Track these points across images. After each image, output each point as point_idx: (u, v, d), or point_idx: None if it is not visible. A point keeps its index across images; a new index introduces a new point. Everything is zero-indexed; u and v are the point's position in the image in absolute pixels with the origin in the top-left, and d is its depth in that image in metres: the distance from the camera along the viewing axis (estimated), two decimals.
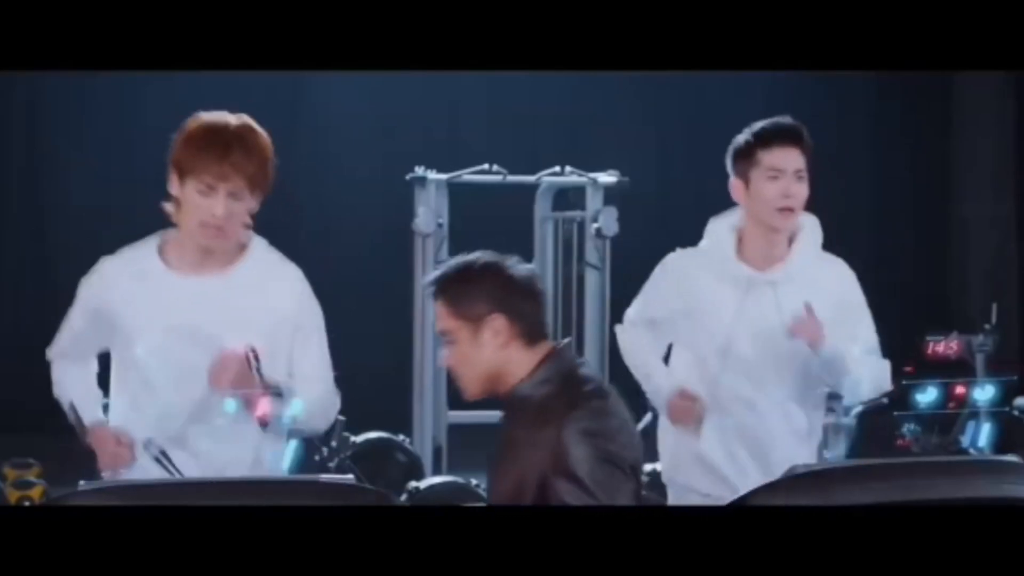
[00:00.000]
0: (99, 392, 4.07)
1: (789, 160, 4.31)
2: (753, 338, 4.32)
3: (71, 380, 4.06)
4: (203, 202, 3.81)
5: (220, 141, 3.81)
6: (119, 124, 9.13)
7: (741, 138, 4.39)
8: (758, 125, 4.38)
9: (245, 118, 3.91)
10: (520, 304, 3.54)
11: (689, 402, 4.33)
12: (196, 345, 3.84)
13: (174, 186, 3.87)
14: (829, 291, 4.38)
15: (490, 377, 3.55)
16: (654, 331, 4.50)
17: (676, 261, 4.50)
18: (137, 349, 3.90)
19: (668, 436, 4.53)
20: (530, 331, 3.55)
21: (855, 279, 4.47)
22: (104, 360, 4.10)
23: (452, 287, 3.56)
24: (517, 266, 3.61)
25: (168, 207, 3.91)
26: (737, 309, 4.32)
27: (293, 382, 3.90)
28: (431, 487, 6.88)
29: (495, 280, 3.55)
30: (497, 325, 3.51)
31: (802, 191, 4.32)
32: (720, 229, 4.43)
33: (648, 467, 6.53)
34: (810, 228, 4.41)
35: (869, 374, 4.37)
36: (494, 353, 3.53)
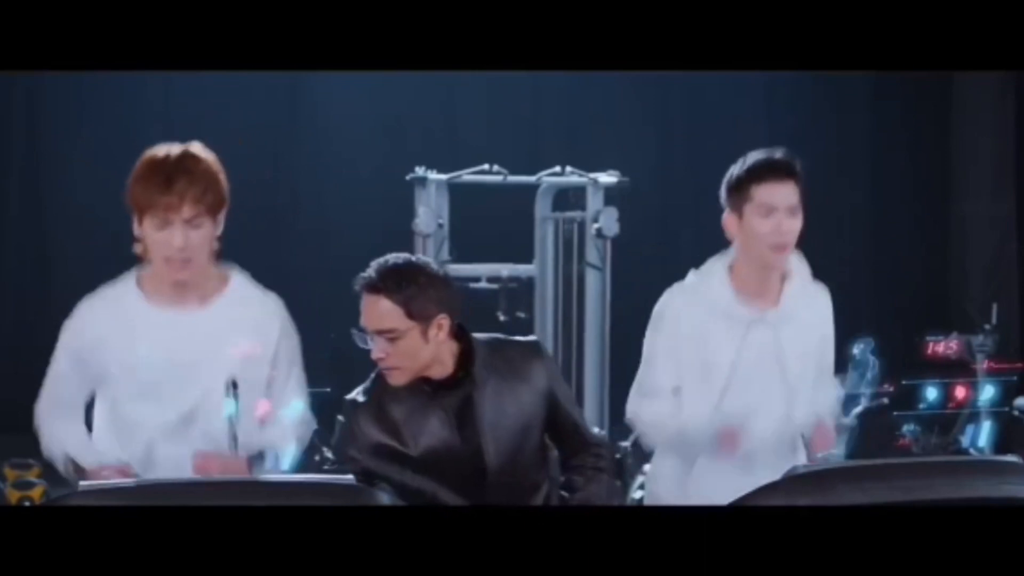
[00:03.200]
0: (90, 439, 4.06)
1: (782, 196, 4.29)
2: (753, 379, 4.32)
3: (63, 434, 4.04)
4: (161, 236, 3.85)
5: (162, 173, 3.84)
6: (119, 124, 9.12)
7: (734, 172, 4.36)
8: (751, 158, 4.35)
9: (190, 146, 3.93)
10: (456, 303, 3.98)
11: (736, 433, 4.28)
12: (182, 379, 3.87)
13: (136, 226, 3.91)
14: (817, 325, 4.44)
15: (426, 366, 3.95)
16: (669, 388, 4.40)
17: (670, 304, 4.42)
18: (122, 386, 3.92)
19: (662, 474, 4.53)
20: (457, 324, 3.98)
21: (831, 307, 4.51)
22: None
23: (405, 290, 3.88)
24: (444, 267, 4.13)
25: (137, 248, 3.94)
26: (737, 351, 4.32)
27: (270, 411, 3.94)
28: None
29: (442, 283, 3.95)
30: (442, 323, 3.92)
31: (795, 226, 4.31)
32: (713, 269, 4.41)
33: (647, 467, 6.55)
34: (799, 263, 4.42)
35: (827, 406, 4.43)
36: (436, 347, 3.93)
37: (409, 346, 3.89)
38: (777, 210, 4.27)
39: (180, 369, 3.87)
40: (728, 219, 4.35)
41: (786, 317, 4.35)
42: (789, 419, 4.35)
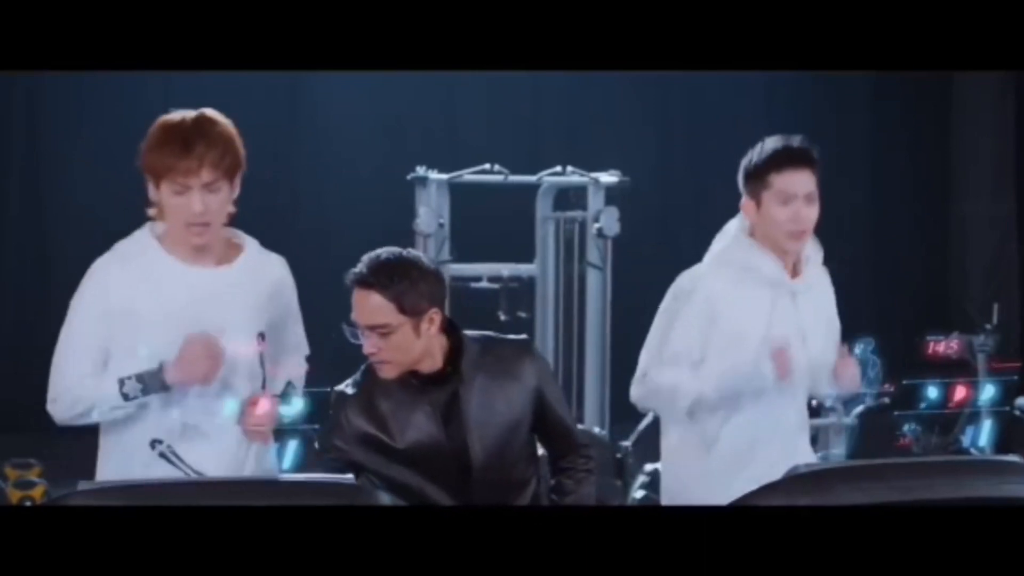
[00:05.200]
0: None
1: (800, 184, 4.32)
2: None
3: (96, 381, 3.90)
4: (181, 202, 3.86)
5: (179, 138, 3.85)
6: (119, 124, 9.12)
7: (753, 158, 4.37)
8: (769, 145, 4.36)
9: (204, 111, 3.94)
10: (445, 298, 4.01)
11: (785, 352, 4.28)
12: (211, 332, 3.87)
13: (152, 192, 3.92)
14: (826, 303, 4.52)
15: (417, 360, 3.94)
16: (697, 356, 4.38)
17: (704, 278, 4.41)
18: (148, 340, 3.87)
19: (676, 449, 4.52)
20: (447, 319, 4.01)
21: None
22: None
23: (397, 285, 3.88)
24: (434, 261, 4.14)
25: (151, 212, 3.95)
26: (768, 319, 4.34)
27: (284, 356, 4.08)
28: None
29: (434, 278, 3.95)
30: (434, 317, 3.91)
31: (812, 214, 4.35)
32: (737, 239, 4.42)
33: (649, 467, 6.54)
34: (815, 245, 4.47)
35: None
36: (427, 341, 3.92)
37: (401, 340, 3.89)
38: (796, 198, 4.31)
39: (212, 323, 3.88)
40: (746, 205, 4.37)
41: (805, 288, 4.41)
42: (800, 384, 4.40)
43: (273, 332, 4.04)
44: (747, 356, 4.29)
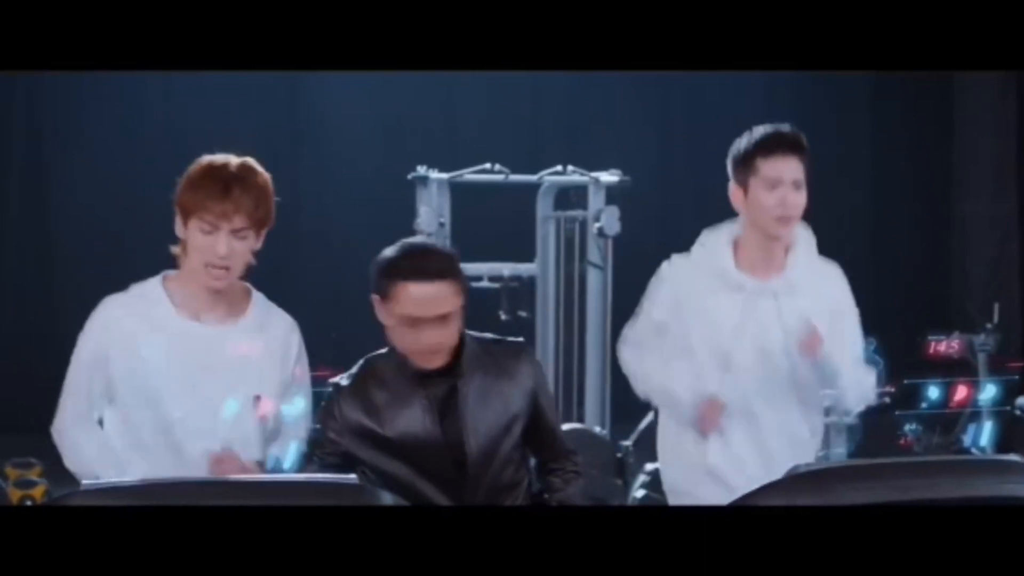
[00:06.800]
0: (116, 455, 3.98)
1: (788, 169, 4.32)
2: (755, 349, 4.32)
3: (93, 450, 3.96)
4: (206, 241, 3.90)
5: (220, 181, 3.90)
6: (119, 124, 9.13)
7: (741, 144, 4.38)
8: (758, 132, 4.37)
9: (247, 159, 4.00)
10: None
11: (718, 408, 4.32)
12: (207, 390, 3.88)
13: (179, 228, 3.95)
14: (827, 299, 4.42)
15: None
16: (656, 344, 4.46)
17: (673, 270, 4.47)
18: (141, 392, 3.92)
19: (673, 449, 4.52)
20: None
21: (847, 284, 4.50)
22: None
23: (452, 269, 3.88)
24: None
25: (176, 250, 3.98)
26: (739, 320, 4.32)
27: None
28: None
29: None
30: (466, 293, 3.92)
31: (800, 200, 4.33)
32: (716, 240, 4.43)
33: (649, 467, 6.55)
34: (805, 236, 4.43)
35: (856, 386, 4.38)
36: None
37: (459, 322, 3.90)
38: (782, 183, 4.31)
39: (211, 381, 3.89)
40: (734, 191, 4.38)
41: (789, 287, 4.36)
42: (793, 388, 4.34)
43: (272, 393, 3.98)
44: (719, 356, 4.31)
